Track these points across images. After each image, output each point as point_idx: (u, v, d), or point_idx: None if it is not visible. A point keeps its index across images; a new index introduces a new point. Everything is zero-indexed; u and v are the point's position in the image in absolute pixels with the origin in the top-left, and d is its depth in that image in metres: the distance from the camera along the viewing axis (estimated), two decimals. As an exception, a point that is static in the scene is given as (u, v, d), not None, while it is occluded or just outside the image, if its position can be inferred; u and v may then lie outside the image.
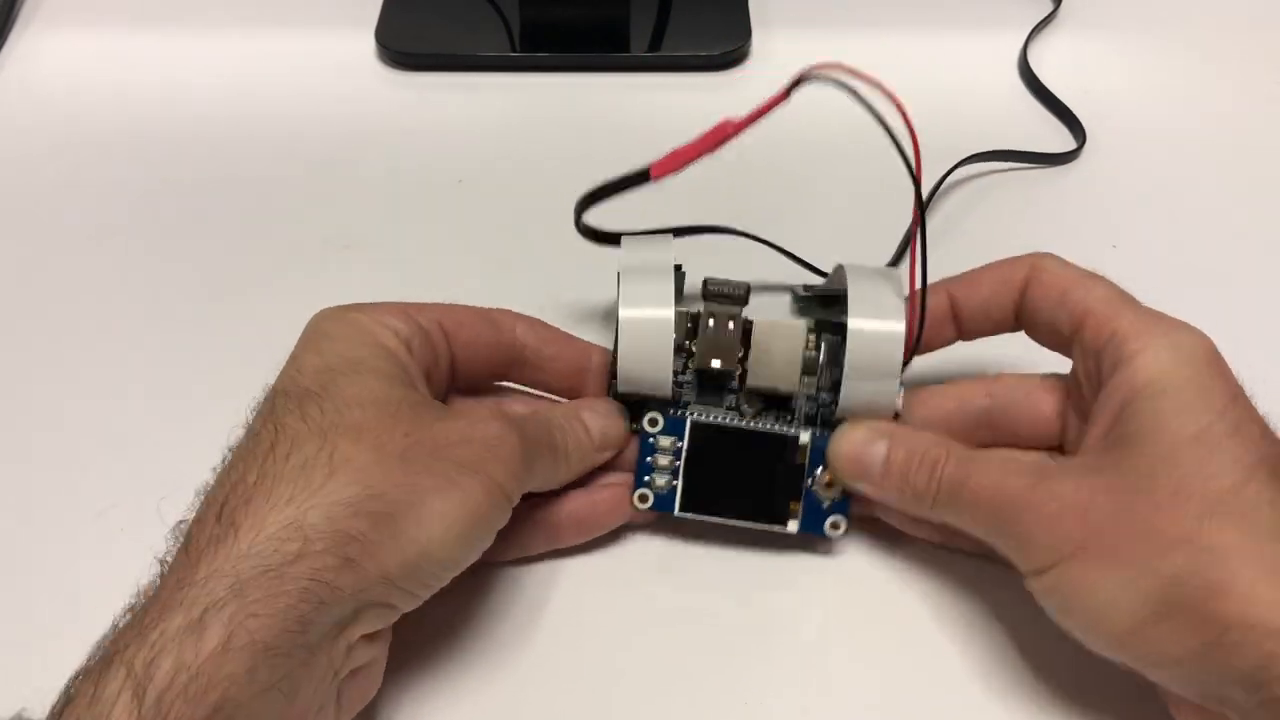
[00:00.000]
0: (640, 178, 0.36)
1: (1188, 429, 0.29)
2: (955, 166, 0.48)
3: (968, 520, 0.32)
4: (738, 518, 0.34)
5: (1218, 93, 0.53)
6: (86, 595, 0.35)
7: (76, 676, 0.25)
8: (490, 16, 0.57)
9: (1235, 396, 0.30)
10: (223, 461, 0.30)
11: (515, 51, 0.55)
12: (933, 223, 0.47)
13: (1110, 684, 0.32)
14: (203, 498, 0.29)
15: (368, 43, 0.56)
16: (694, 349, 0.35)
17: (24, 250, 0.46)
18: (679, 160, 0.35)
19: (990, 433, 0.35)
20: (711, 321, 0.35)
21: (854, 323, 0.33)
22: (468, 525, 0.29)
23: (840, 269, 0.36)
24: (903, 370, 0.34)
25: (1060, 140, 0.51)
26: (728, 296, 0.35)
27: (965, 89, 0.54)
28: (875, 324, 0.33)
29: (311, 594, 0.26)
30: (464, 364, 0.34)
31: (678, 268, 0.39)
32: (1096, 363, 0.32)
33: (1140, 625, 0.28)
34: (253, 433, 0.29)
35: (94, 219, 0.48)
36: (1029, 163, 0.50)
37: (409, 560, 0.27)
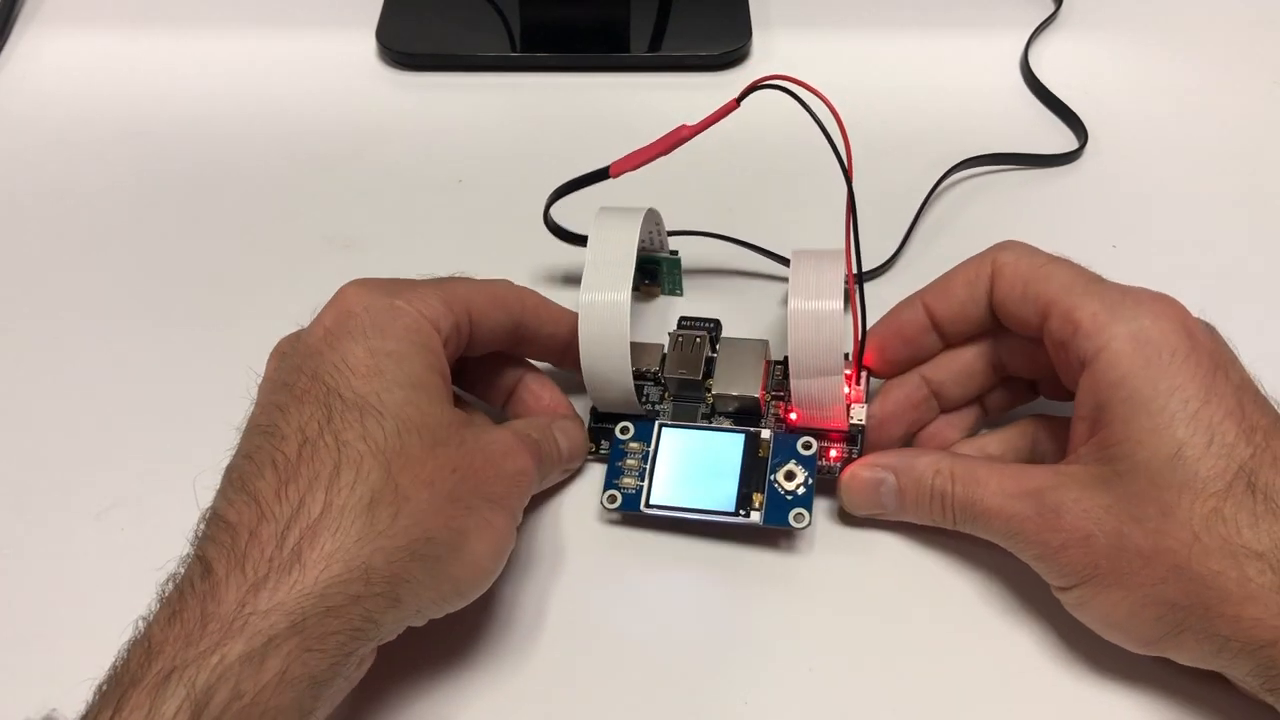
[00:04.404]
0: (600, 175, 0.39)
1: (1164, 449, 0.29)
2: (956, 167, 0.48)
3: (988, 537, 0.33)
4: (702, 511, 0.35)
5: (1218, 93, 0.53)
6: (87, 595, 0.35)
7: (121, 681, 0.25)
8: (490, 16, 0.57)
9: (1209, 388, 0.30)
10: (265, 435, 0.29)
11: (515, 51, 0.55)
12: (933, 222, 0.47)
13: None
14: (245, 493, 0.28)
15: (368, 43, 0.56)
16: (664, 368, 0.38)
17: (24, 249, 0.47)
18: (637, 160, 0.38)
19: (941, 403, 0.37)
20: (679, 341, 0.38)
21: (793, 302, 0.34)
22: (496, 560, 0.31)
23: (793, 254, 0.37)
24: (862, 380, 0.36)
25: (1062, 140, 0.51)
26: (696, 326, 0.40)
27: (967, 89, 0.54)
28: (814, 303, 0.34)
29: (361, 632, 0.27)
30: (478, 345, 0.35)
31: (673, 253, 0.41)
32: (1065, 355, 0.32)
33: (1159, 638, 0.30)
34: (310, 441, 0.29)
35: (93, 218, 0.48)
36: (1030, 164, 0.50)
37: (444, 595, 0.30)
